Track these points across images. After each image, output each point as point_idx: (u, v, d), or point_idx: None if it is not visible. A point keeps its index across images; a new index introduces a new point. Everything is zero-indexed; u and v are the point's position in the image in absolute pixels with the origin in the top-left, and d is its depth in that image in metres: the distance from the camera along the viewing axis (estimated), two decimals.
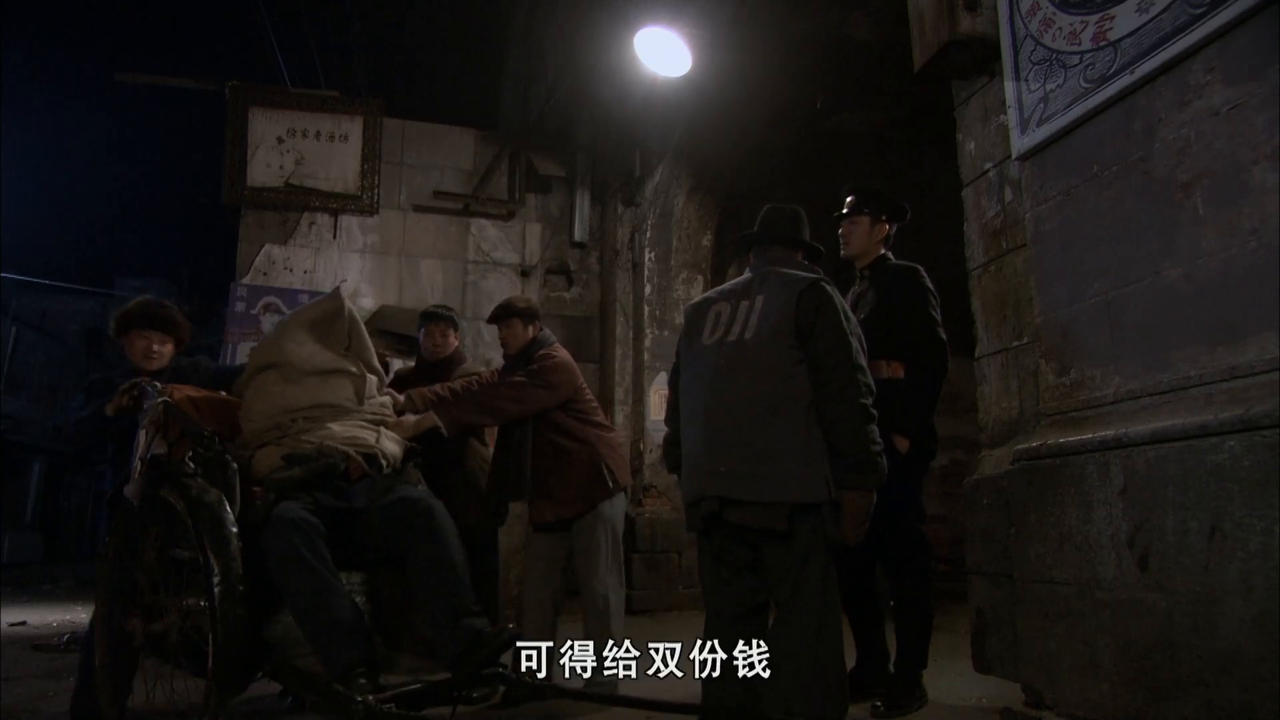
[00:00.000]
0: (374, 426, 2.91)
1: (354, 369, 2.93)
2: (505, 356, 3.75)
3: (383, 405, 3.05)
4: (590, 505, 3.47)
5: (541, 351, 3.59)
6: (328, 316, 2.95)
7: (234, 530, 2.48)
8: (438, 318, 4.06)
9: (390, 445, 2.91)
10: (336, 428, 2.80)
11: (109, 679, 2.81)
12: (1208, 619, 1.85)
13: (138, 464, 2.68)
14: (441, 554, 2.62)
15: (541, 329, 3.74)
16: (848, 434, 2.34)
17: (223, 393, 3.05)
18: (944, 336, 3.14)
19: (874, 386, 2.43)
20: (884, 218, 3.28)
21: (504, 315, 3.69)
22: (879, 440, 2.39)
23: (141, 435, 2.71)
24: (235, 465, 2.63)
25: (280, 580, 2.49)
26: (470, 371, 3.94)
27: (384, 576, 2.88)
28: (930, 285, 3.18)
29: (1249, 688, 1.76)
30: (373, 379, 3.03)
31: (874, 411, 2.39)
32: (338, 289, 3.03)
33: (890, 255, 3.33)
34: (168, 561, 2.65)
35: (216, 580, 2.39)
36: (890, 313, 3.13)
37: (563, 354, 3.63)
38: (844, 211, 3.33)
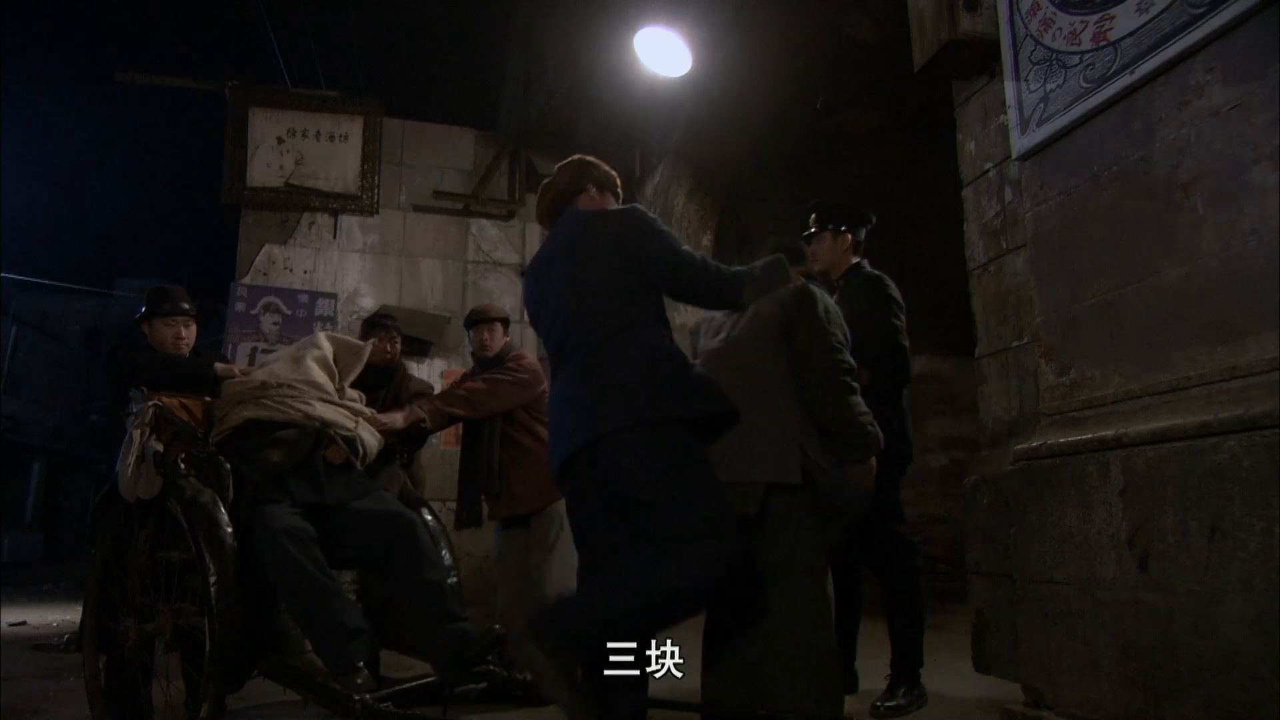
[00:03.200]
0: (353, 416, 2.95)
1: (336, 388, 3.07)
2: (476, 359, 3.99)
3: (359, 398, 3.13)
4: (547, 502, 3.62)
5: (514, 354, 3.89)
6: (348, 349, 3.13)
7: (229, 530, 2.50)
8: (386, 327, 4.17)
9: (368, 436, 2.96)
10: (318, 405, 2.85)
11: (98, 689, 2.81)
12: (1208, 619, 1.85)
13: (130, 462, 2.68)
14: (424, 565, 2.65)
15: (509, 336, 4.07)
16: (834, 410, 2.46)
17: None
18: (905, 344, 3.20)
19: (853, 366, 2.53)
20: (844, 229, 3.37)
21: (487, 319, 3.92)
22: (866, 410, 2.49)
23: (135, 435, 2.72)
24: (228, 465, 2.65)
25: (279, 587, 2.51)
26: (423, 390, 4.10)
27: (373, 577, 2.90)
28: (896, 295, 3.23)
29: (1249, 688, 1.76)
30: (352, 395, 3.14)
31: (854, 384, 2.49)
32: (370, 344, 3.29)
33: (864, 263, 3.38)
34: (158, 563, 2.66)
35: (213, 580, 2.40)
36: (856, 320, 3.16)
37: (531, 357, 3.95)
38: (810, 231, 3.43)
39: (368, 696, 2.26)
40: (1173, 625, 1.92)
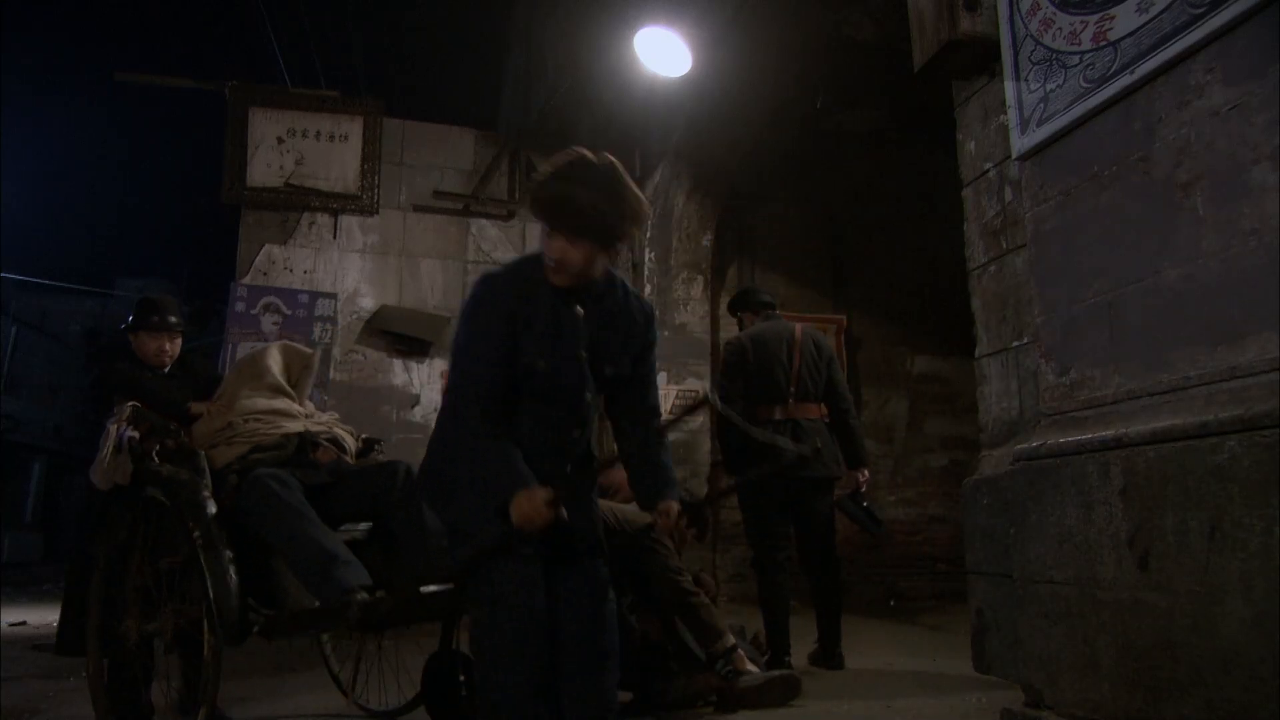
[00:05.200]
0: (327, 426, 3.03)
1: (296, 399, 3.12)
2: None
3: (329, 421, 3.18)
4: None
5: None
6: (298, 357, 3.17)
7: (209, 495, 2.56)
8: None
9: (347, 437, 3.02)
10: (288, 425, 2.90)
11: (101, 688, 2.82)
12: (1208, 619, 1.85)
13: (107, 452, 2.73)
14: (421, 513, 2.64)
15: None
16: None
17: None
18: (720, 396, 3.91)
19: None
20: (736, 312, 4.44)
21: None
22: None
23: (111, 429, 2.79)
24: (203, 453, 2.71)
25: (267, 527, 2.55)
26: None
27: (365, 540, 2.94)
28: (726, 357, 4.11)
29: (1249, 688, 1.76)
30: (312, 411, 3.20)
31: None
32: (315, 352, 3.34)
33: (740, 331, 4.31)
34: (158, 562, 2.68)
35: (198, 535, 2.46)
36: None
37: None
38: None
39: (364, 596, 2.29)
40: (1173, 625, 1.92)
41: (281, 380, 3.05)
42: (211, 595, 2.39)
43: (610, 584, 2.05)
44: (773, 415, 3.88)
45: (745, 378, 3.92)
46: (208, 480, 2.64)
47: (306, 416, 3.05)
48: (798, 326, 4.16)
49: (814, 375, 3.97)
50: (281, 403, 2.98)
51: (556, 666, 1.99)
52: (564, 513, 1.86)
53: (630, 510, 3.29)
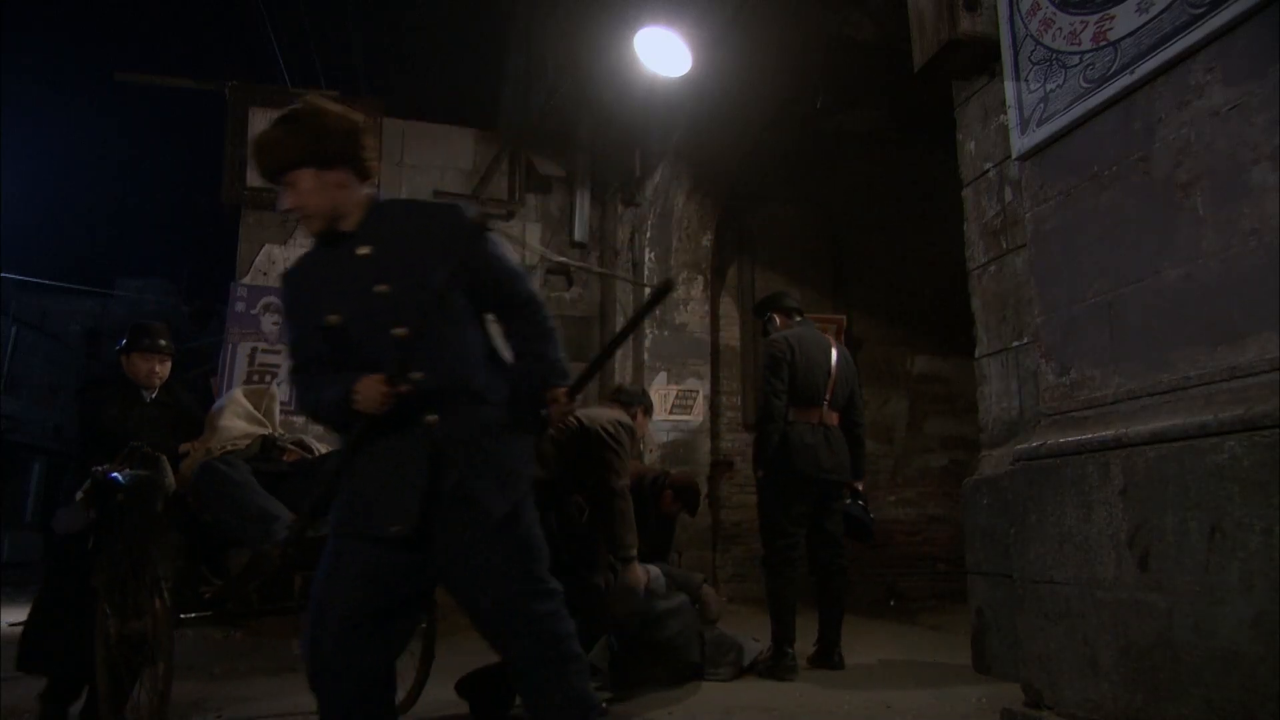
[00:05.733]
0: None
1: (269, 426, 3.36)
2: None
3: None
4: None
5: None
6: (260, 395, 3.41)
7: (169, 483, 2.75)
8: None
9: (314, 443, 3.24)
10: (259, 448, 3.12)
11: (108, 691, 2.85)
12: (1208, 619, 1.85)
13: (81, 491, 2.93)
14: None
15: None
16: None
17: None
18: (767, 399, 3.95)
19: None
20: (765, 312, 4.40)
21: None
22: None
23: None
24: (165, 458, 2.87)
25: (216, 503, 2.69)
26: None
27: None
28: (767, 359, 4.02)
29: (1249, 688, 1.76)
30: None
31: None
32: (271, 386, 3.60)
33: (778, 331, 4.23)
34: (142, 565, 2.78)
35: (150, 513, 2.68)
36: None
37: None
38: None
39: (290, 527, 2.42)
40: (1173, 625, 1.92)
41: (255, 413, 3.27)
42: (156, 557, 2.58)
43: (553, 590, 1.96)
44: (807, 419, 3.93)
45: (792, 376, 3.96)
46: (170, 479, 2.80)
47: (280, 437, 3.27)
48: (831, 337, 4.25)
49: (843, 387, 4.06)
50: (256, 428, 3.19)
51: (521, 684, 1.97)
52: (405, 387, 1.86)
53: (601, 413, 3.52)
